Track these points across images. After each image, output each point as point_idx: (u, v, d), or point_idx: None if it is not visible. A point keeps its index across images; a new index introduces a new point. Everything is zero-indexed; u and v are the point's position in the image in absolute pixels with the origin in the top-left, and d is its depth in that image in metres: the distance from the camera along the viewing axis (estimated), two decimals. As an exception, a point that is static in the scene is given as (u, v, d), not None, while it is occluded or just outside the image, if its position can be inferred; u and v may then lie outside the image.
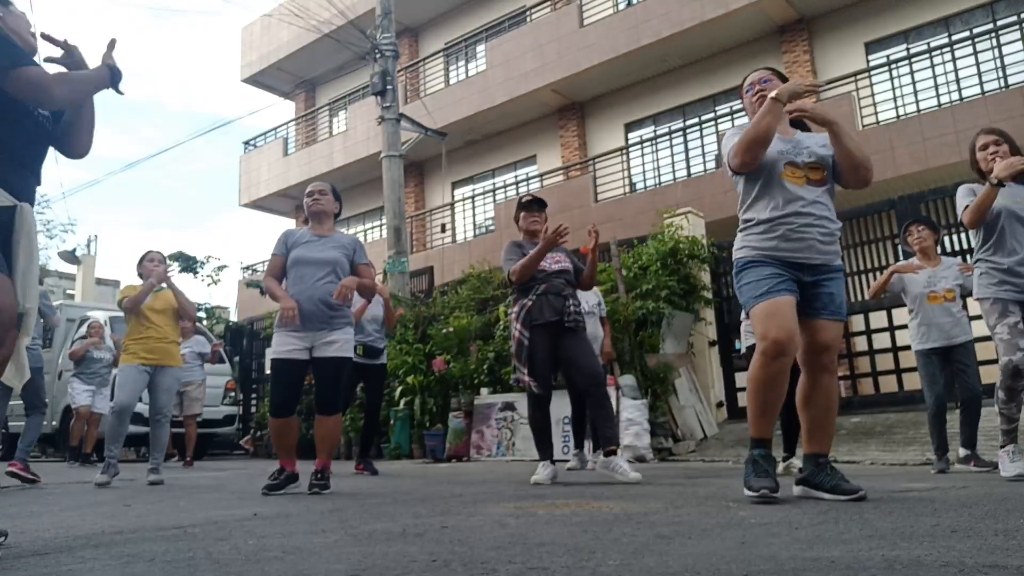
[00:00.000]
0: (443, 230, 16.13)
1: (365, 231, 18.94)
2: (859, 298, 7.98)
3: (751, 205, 3.00)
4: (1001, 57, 10.47)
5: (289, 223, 20.89)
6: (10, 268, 2.12)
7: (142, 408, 6.32)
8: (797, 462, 4.43)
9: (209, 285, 25.73)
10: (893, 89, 11.15)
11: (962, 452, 4.56)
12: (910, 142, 9.93)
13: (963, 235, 7.19)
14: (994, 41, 10.53)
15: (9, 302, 2.06)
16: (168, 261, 5.69)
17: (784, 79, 3.15)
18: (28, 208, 2.18)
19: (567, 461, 5.95)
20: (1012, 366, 3.66)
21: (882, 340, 7.78)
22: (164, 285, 5.50)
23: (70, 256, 23.96)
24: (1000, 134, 3.93)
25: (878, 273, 7.89)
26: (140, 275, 5.52)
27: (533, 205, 4.60)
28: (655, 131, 14.29)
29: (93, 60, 2.39)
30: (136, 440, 10.21)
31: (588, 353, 4.33)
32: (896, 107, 11.15)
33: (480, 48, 16.54)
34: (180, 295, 5.53)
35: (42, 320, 6.22)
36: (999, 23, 10.91)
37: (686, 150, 13.48)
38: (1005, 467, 3.72)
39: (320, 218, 4.20)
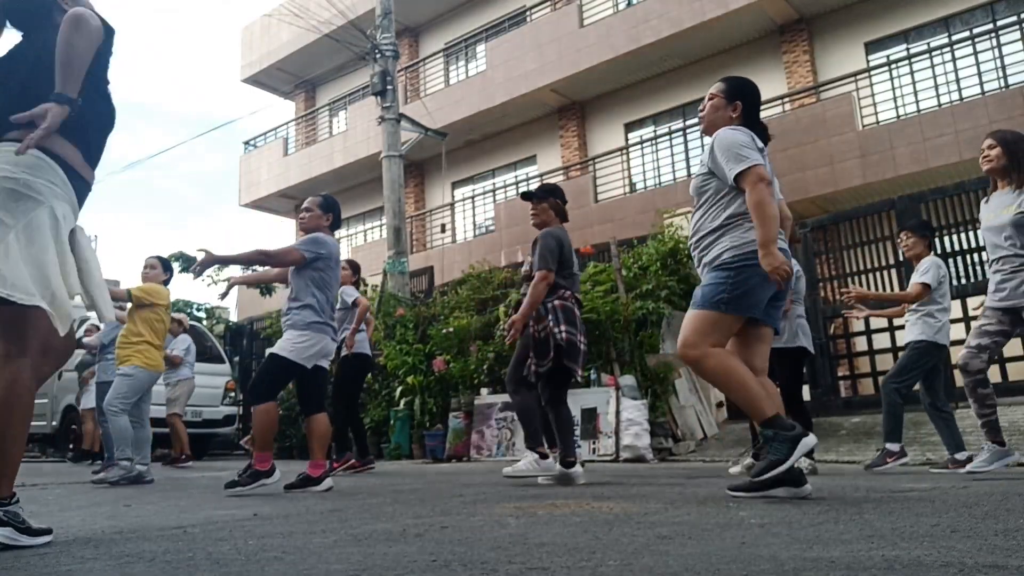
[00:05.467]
0: (443, 230, 16.13)
1: (365, 231, 18.92)
2: (859, 298, 7.95)
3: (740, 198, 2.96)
4: (1001, 57, 10.47)
5: (289, 223, 20.90)
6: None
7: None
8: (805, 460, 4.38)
9: (209, 285, 25.69)
10: (893, 89, 11.15)
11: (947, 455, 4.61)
12: (910, 142, 9.93)
13: (962, 235, 7.18)
14: (994, 41, 10.53)
15: (62, 343, 2.13)
16: (151, 262, 5.73)
17: (734, 93, 3.15)
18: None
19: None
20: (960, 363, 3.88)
21: (882, 340, 7.76)
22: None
23: None
24: (995, 137, 3.93)
25: (878, 273, 7.88)
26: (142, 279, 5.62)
27: (524, 198, 4.49)
28: (655, 131, 14.29)
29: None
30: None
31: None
32: (896, 107, 11.15)
33: (480, 48, 16.54)
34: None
35: None
36: (999, 23, 10.90)
37: (686, 150, 13.48)
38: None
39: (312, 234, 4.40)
